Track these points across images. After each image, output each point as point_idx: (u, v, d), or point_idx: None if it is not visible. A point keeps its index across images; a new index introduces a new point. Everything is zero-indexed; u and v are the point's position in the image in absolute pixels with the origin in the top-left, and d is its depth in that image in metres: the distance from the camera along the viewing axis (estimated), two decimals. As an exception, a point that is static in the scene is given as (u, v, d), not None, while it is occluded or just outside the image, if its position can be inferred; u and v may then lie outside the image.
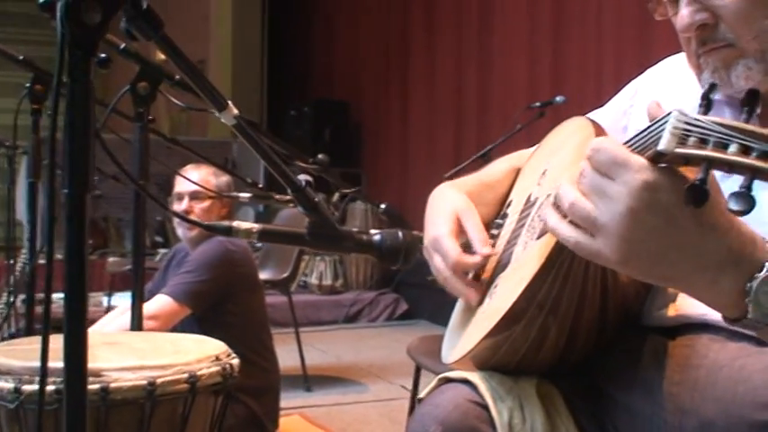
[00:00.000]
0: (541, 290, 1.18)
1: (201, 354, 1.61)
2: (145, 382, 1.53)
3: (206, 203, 3.25)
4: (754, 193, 0.84)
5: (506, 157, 1.67)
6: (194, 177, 3.10)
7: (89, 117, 0.81)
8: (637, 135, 0.98)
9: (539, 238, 1.26)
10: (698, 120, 0.88)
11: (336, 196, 4.33)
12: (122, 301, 4.83)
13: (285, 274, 4.70)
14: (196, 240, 3.19)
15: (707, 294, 0.99)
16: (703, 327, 1.20)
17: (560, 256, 1.17)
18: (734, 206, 0.84)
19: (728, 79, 1.24)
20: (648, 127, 0.95)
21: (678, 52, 1.42)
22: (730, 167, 0.85)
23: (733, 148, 0.85)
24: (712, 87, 0.96)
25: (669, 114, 0.90)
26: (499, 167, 1.64)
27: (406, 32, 8.06)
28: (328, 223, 1.16)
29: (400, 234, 1.21)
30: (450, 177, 4.86)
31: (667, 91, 1.46)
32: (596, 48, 5.66)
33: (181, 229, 3.30)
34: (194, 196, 3.24)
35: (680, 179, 0.92)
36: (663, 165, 0.92)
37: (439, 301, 6.69)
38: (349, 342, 6.13)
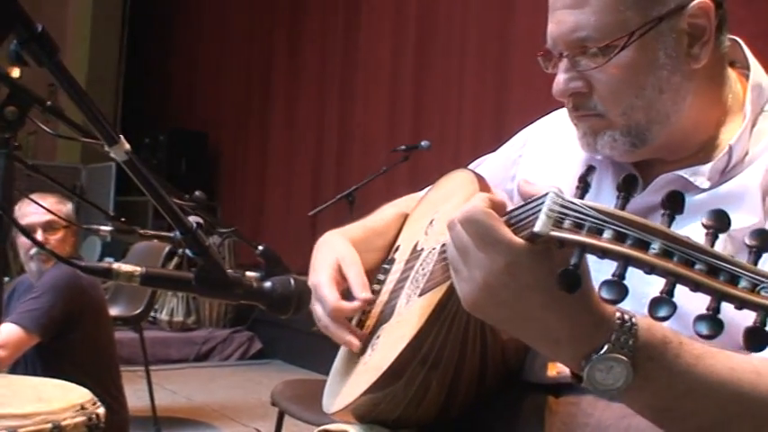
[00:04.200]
0: (423, 347, 1.19)
1: (66, 402, 1.51)
2: (5, 432, 1.42)
3: (60, 234, 3.12)
4: (626, 281, 0.84)
5: (393, 202, 1.68)
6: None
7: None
8: (516, 209, 0.99)
9: (421, 294, 1.27)
10: (573, 203, 0.89)
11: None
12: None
13: (138, 311, 4.53)
14: (46, 272, 3.04)
15: (549, 356, 1.07)
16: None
17: (442, 314, 1.19)
18: (606, 295, 0.84)
19: (595, 145, 1.29)
20: (528, 203, 0.97)
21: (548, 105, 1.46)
22: (604, 253, 0.86)
23: (607, 234, 0.85)
24: (590, 169, 0.97)
25: (546, 195, 0.91)
26: (387, 213, 1.64)
27: (269, 66, 8.02)
28: (218, 268, 1.10)
29: (292, 281, 1.16)
30: (314, 216, 4.84)
31: (555, 144, 1.49)
32: (457, 94, 5.77)
33: (35, 263, 3.13)
34: (48, 227, 3.09)
35: (544, 262, 0.94)
36: (536, 246, 0.94)
37: (294, 341, 6.69)
38: (200, 382, 5.95)
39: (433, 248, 1.34)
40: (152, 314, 6.80)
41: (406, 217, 1.61)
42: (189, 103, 9.33)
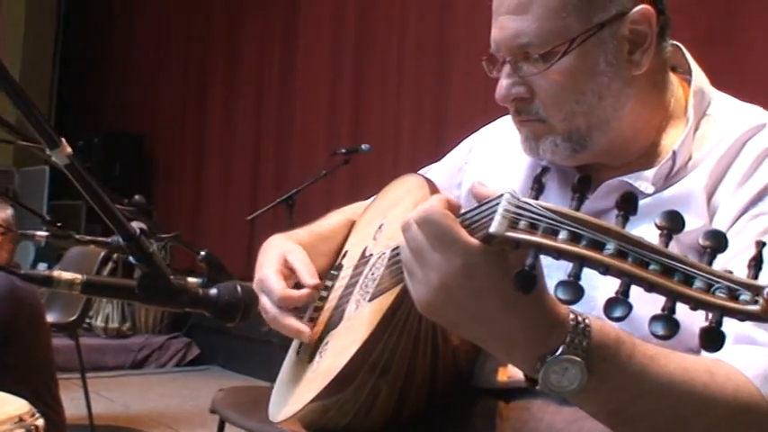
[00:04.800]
0: (373, 353, 1.18)
1: (3, 414, 1.46)
2: (-63, 446, 1.36)
3: (-2, 240, 3.03)
4: (582, 281, 0.83)
5: (341, 209, 1.67)
6: (-20, 212, 2.87)
7: None
8: (471, 211, 0.98)
9: (371, 299, 1.26)
10: (529, 204, 0.89)
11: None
12: None
13: (73, 317, 4.41)
14: (-20, 280, 2.95)
15: (503, 359, 1.06)
16: (536, 391, 1.21)
17: (393, 319, 1.17)
18: (561, 295, 0.83)
19: (537, 150, 1.29)
20: (482, 204, 0.96)
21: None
22: (559, 254, 0.85)
23: (563, 235, 0.85)
24: (544, 171, 0.98)
25: (501, 196, 0.91)
26: (334, 219, 1.63)
27: (206, 68, 7.92)
28: (162, 276, 1.06)
29: (239, 288, 1.12)
30: (253, 221, 4.80)
31: (501, 149, 1.49)
32: (395, 99, 5.78)
33: (-32, 270, 3.02)
34: (-15, 232, 3.01)
35: (499, 263, 0.94)
36: (492, 246, 0.93)
37: (232, 347, 6.61)
38: (137, 389, 5.83)
39: (383, 253, 1.32)
40: (87, 321, 6.66)
41: (353, 223, 1.60)
42: (124, 105, 9.15)
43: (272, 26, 7.08)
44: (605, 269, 0.83)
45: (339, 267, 1.51)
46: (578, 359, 0.94)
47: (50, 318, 4.22)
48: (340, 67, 6.30)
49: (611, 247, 0.83)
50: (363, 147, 4.61)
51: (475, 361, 1.33)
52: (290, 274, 1.42)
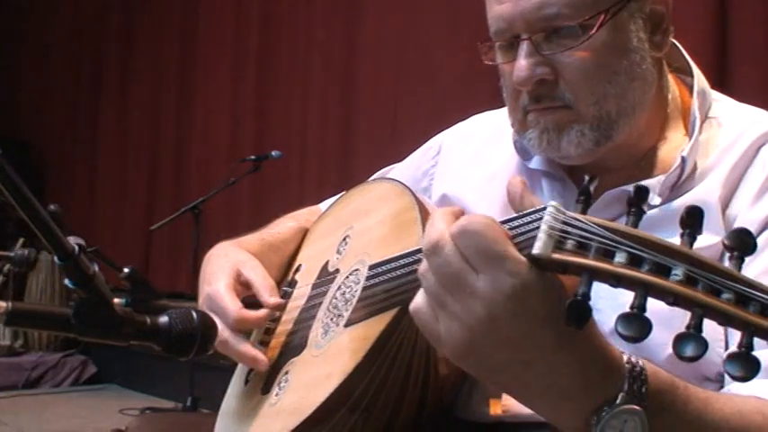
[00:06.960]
0: (356, 389, 1.01)
1: None
2: None
3: None
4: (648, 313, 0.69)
5: (292, 214, 1.50)
6: None
7: None
8: (506, 222, 0.80)
9: (348, 325, 1.08)
10: (577, 219, 0.73)
11: (19, 243, 3.86)
12: None
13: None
14: None
15: (546, 414, 0.84)
16: (536, 426, 1.03)
17: (383, 350, 1.00)
18: (623, 331, 0.69)
19: (558, 143, 1.13)
20: (518, 217, 0.79)
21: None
22: (618, 281, 0.71)
23: (620, 257, 0.71)
24: (592, 179, 0.80)
25: (544, 210, 0.75)
26: (284, 226, 1.45)
27: (99, 73, 7.63)
28: (103, 303, 0.87)
29: (195, 315, 0.94)
30: (150, 232, 4.60)
31: (479, 152, 1.35)
32: (301, 106, 5.64)
33: None
34: None
35: (557, 289, 0.76)
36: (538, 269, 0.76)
37: (132, 364, 6.28)
38: (32, 411, 5.44)
39: (356, 270, 1.15)
40: (-25, 339, 6.25)
41: (305, 232, 1.43)
42: (11, 111, 8.67)
43: (169, 23, 6.85)
44: (674, 299, 0.69)
45: (293, 284, 1.34)
46: (638, 408, 0.78)
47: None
48: (243, 68, 6.12)
49: (678, 272, 0.70)
50: (274, 153, 4.48)
51: (458, 388, 1.17)
52: (243, 290, 1.25)
